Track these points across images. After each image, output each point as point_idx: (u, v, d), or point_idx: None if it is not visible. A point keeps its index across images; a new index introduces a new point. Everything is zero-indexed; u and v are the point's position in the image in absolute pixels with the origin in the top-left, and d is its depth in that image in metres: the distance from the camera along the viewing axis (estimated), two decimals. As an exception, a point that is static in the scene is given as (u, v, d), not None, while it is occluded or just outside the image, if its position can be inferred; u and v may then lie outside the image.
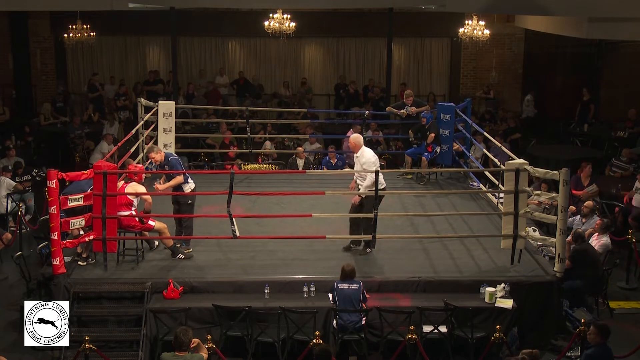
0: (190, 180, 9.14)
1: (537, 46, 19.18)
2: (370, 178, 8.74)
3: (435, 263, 9.01)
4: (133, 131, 11.86)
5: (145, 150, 9.99)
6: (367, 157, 9.01)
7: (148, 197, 8.93)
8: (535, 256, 9.20)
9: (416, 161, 12.48)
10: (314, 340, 7.51)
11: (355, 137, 9.25)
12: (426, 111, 12.38)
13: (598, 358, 6.93)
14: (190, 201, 9.11)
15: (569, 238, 9.25)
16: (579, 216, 10.52)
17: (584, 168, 12.27)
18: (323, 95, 19.77)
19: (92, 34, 16.72)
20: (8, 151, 13.64)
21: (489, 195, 11.16)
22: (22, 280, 9.34)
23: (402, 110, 12.48)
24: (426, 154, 12.08)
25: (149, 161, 12.04)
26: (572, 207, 10.62)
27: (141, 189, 9.05)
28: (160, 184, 9.41)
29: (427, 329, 7.99)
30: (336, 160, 13.29)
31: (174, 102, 12.70)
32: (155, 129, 12.26)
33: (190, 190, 9.13)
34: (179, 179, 8.99)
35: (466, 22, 15.87)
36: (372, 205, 8.70)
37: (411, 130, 12.47)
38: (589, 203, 10.55)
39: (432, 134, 12.01)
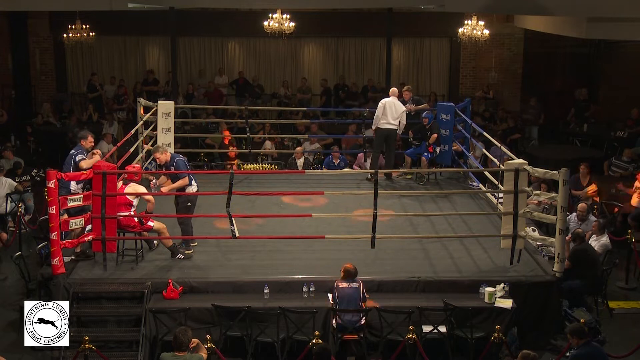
0: (194, 182, 9.12)
1: (537, 46, 19.16)
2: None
3: (435, 263, 9.01)
4: (132, 131, 11.86)
5: (152, 149, 10.02)
6: (401, 105, 11.97)
7: (150, 197, 8.93)
8: (534, 256, 9.20)
9: (416, 161, 12.50)
10: (314, 340, 7.51)
11: (394, 88, 12.27)
12: (427, 111, 12.42)
13: (584, 357, 6.95)
14: (189, 203, 9.07)
15: (568, 237, 9.26)
16: (574, 214, 10.50)
17: (580, 169, 12.27)
18: (322, 95, 19.74)
19: (91, 34, 16.70)
20: (4, 152, 13.61)
21: (489, 195, 11.17)
22: (22, 281, 9.35)
23: (401, 109, 12.50)
24: (426, 154, 12.08)
25: (148, 161, 12.10)
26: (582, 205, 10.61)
27: (142, 189, 9.05)
28: (156, 183, 9.40)
29: (426, 329, 7.99)
30: (339, 161, 13.29)
31: (173, 102, 12.69)
32: (155, 129, 12.25)
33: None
34: (185, 180, 8.97)
35: (465, 22, 15.86)
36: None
37: (411, 130, 12.49)
38: (582, 206, 10.52)
39: (435, 135, 12.03)
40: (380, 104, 12.03)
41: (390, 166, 12.20)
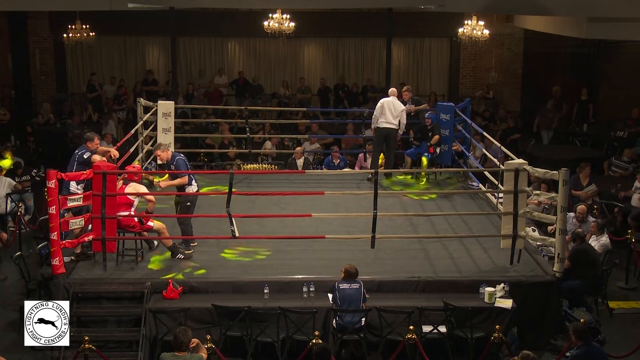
0: (194, 182, 9.12)
1: (537, 46, 19.17)
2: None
3: (435, 263, 9.01)
4: (132, 131, 11.86)
5: (154, 147, 10.05)
6: (400, 104, 12.05)
7: (151, 197, 8.92)
8: (534, 256, 9.20)
9: (416, 161, 12.50)
10: (314, 340, 7.51)
11: (393, 89, 12.37)
12: (430, 111, 12.44)
13: (584, 357, 6.95)
14: (189, 203, 9.07)
15: (568, 237, 9.25)
16: (572, 214, 10.49)
17: (584, 168, 12.28)
18: (328, 93, 19.73)
19: (91, 34, 16.70)
20: (4, 152, 13.60)
21: (489, 195, 11.17)
22: (22, 281, 9.34)
23: (401, 109, 12.50)
24: (426, 154, 12.09)
25: (148, 161, 12.10)
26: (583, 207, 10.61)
27: (142, 189, 9.05)
28: (160, 182, 9.41)
29: (426, 329, 7.99)
30: (339, 161, 13.29)
31: (173, 102, 12.69)
32: (155, 129, 12.25)
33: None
34: (184, 179, 8.97)
35: (465, 22, 15.86)
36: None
37: (412, 130, 12.50)
38: (581, 208, 10.50)
39: (437, 136, 12.04)
40: (378, 103, 12.08)
41: (390, 166, 12.20)
